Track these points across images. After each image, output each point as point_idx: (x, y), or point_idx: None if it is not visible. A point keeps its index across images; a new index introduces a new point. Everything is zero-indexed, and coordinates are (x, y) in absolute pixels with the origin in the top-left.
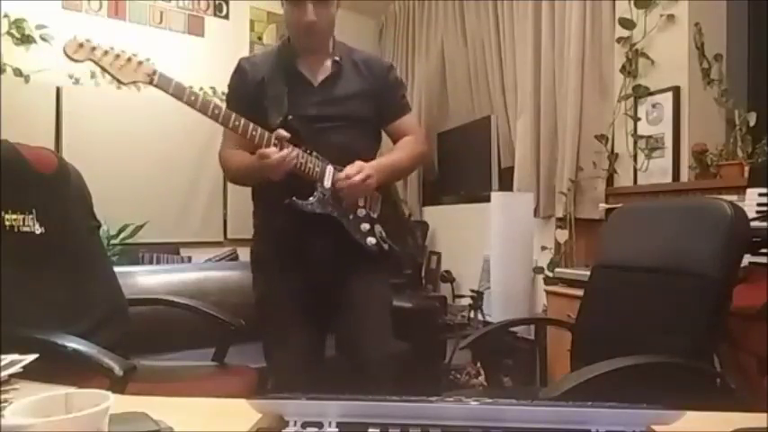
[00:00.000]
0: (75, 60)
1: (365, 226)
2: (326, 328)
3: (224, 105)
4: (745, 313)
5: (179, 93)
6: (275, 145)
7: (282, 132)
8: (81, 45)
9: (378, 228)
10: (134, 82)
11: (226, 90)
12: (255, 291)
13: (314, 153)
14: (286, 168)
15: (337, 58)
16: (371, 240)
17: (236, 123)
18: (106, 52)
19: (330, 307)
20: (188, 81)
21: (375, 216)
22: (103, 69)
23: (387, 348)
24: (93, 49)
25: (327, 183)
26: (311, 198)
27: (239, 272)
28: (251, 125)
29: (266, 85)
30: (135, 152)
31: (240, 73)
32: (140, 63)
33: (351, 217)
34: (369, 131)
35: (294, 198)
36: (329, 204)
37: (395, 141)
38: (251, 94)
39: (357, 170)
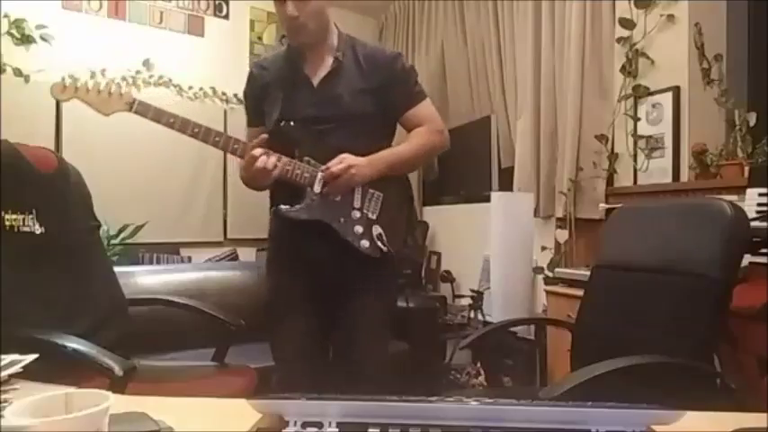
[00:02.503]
0: (63, 100)
1: (358, 228)
2: (328, 328)
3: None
4: (745, 313)
5: (157, 117)
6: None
7: (258, 144)
8: (65, 86)
9: (376, 229)
10: (115, 112)
11: (225, 90)
12: (266, 290)
13: (305, 158)
14: (271, 174)
15: (338, 55)
16: (365, 243)
17: (216, 139)
18: (88, 90)
19: (330, 309)
20: (188, 81)
21: (374, 217)
22: (88, 105)
23: (379, 357)
24: (77, 89)
25: (317, 188)
26: (297, 205)
27: (239, 272)
28: (232, 139)
29: (269, 88)
30: (135, 152)
31: (249, 79)
32: (121, 94)
33: (342, 220)
34: (373, 128)
35: (280, 206)
36: (318, 210)
37: (409, 132)
38: (257, 100)
39: (337, 162)
